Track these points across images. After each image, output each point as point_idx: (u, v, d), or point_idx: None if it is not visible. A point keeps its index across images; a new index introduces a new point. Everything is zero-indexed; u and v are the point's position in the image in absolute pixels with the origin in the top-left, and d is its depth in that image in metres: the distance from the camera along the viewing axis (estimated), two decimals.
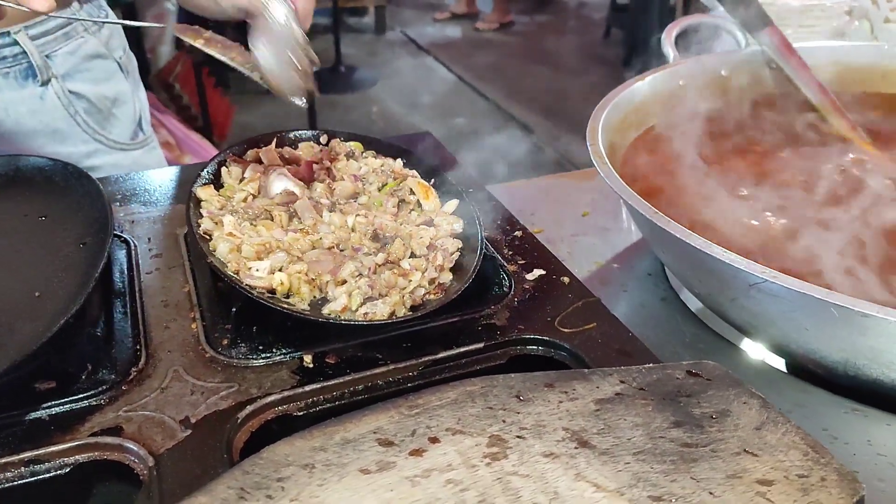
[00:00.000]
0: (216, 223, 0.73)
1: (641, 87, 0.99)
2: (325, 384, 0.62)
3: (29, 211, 0.76)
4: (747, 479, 0.47)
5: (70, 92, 1.10)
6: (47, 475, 0.55)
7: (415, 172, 0.85)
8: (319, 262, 0.69)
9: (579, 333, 0.68)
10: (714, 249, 0.63)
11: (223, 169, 0.82)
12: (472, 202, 0.80)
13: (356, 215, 0.76)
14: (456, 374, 0.65)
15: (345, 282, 0.68)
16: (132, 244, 0.80)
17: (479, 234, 0.75)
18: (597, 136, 0.83)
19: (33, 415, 0.58)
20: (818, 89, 1.05)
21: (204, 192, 0.78)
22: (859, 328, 0.60)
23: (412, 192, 0.82)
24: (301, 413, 0.61)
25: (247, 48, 0.74)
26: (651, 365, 0.59)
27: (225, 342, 0.66)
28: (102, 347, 0.65)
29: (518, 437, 0.49)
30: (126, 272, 0.76)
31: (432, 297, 0.69)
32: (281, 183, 0.78)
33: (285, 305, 0.66)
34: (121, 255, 0.78)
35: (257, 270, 0.68)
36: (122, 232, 0.82)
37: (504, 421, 0.51)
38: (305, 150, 0.87)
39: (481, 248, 0.73)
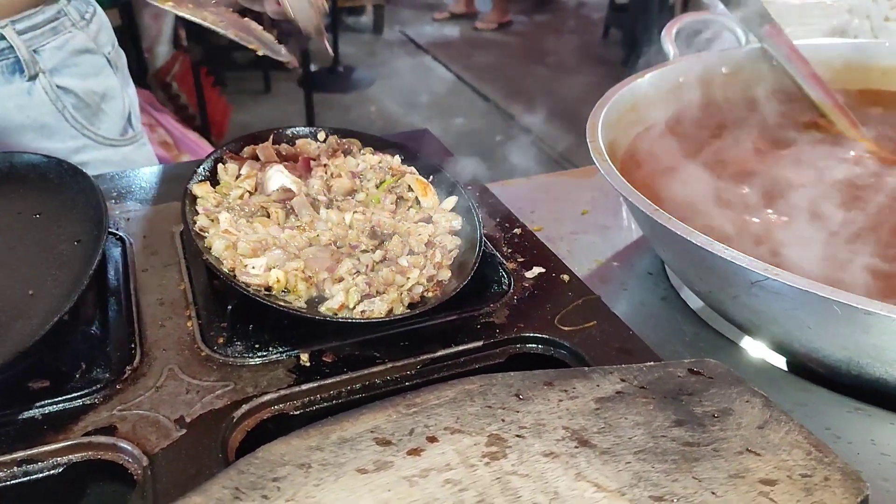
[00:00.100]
0: (212, 220, 0.73)
1: (641, 84, 0.99)
2: (322, 383, 0.61)
3: (23, 208, 0.75)
4: (750, 479, 0.46)
5: (58, 87, 1.09)
6: (40, 475, 0.54)
7: (413, 169, 0.85)
8: (316, 260, 0.69)
9: (579, 331, 0.67)
10: (715, 247, 0.63)
11: (219, 166, 0.81)
12: (471, 199, 0.79)
13: (354, 212, 0.76)
14: (454, 372, 0.64)
15: (342, 279, 0.67)
16: (127, 242, 0.79)
17: (478, 231, 0.74)
18: (597, 133, 0.82)
19: (26, 414, 0.57)
20: (819, 87, 1.05)
21: (200, 189, 0.77)
22: (863, 326, 0.59)
23: (410, 189, 0.81)
24: (297, 412, 0.60)
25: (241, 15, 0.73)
26: (652, 363, 0.59)
27: (221, 340, 0.65)
28: (97, 346, 0.65)
29: (517, 436, 0.49)
30: (121, 270, 0.75)
31: (430, 294, 0.69)
32: (278, 179, 0.78)
33: (282, 303, 0.65)
34: (116, 252, 0.77)
35: (253, 268, 0.67)
36: (117, 229, 0.81)
37: (503, 420, 0.50)
38: (303, 147, 0.87)
39: (480, 246, 0.72)
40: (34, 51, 1.05)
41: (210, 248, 0.69)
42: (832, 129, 1.03)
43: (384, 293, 0.66)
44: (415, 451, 0.47)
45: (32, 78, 1.06)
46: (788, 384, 0.73)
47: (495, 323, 0.69)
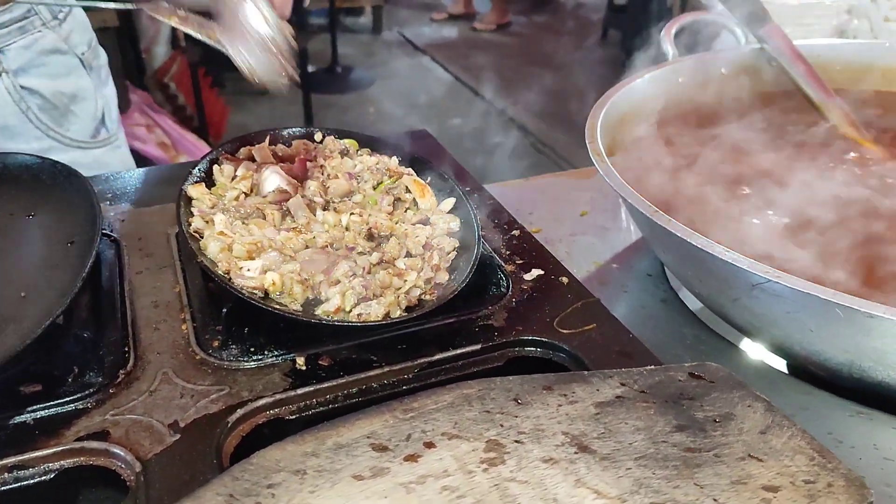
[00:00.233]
0: (207, 222, 0.72)
1: (641, 84, 0.98)
2: (318, 387, 0.60)
3: (15, 209, 0.75)
4: (752, 485, 0.45)
5: (22, 87, 1.07)
6: (32, 481, 0.53)
7: (411, 170, 0.84)
8: (312, 262, 0.68)
9: (578, 335, 0.67)
10: (716, 249, 0.62)
11: (215, 167, 0.80)
12: (469, 201, 0.79)
13: (350, 214, 0.75)
14: (452, 376, 0.63)
15: (338, 282, 0.67)
16: (121, 243, 0.78)
17: (476, 233, 0.74)
18: (596, 134, 0.82)
19: (18, 419, 0.57)
20: (819, 87, 1.04)
21: (195, 191, 0.76)
22: (864, 329, 0.58)
23: (408, 191, 0.81)
24: (293, 417, 0.59)
25: None
26: (652, 367, 0.58)
27: (216, 344, 0.65)
28: (90, 349, 0.64)
29: (516, 441, 0.48)
30: (115, 272, 0.74)
31: (428, 297, 0.68)
32: (274, 181, 0.77)
33: (277, 306, 0.64)
34: (110, 254, 0.77)
35: (248, 270, 0.66)
36: (111, 231, 0.80)
37: (502, 425, 0.49)
38: (299, 148, 0.86)
39: (478, 248, 0.71)
40: None
41: (205, 251, 0.69)
42: (832, 130, 1.02)
43: (381, 296, 0.66)
44: (412, 458, 0.46)
45: None
46: (789, 387, 0.73)
47: (494, 326, 0.68)
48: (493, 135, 4.06)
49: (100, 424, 0.56)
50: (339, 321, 0.64)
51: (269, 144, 0.85)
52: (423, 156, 0.86)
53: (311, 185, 0.78)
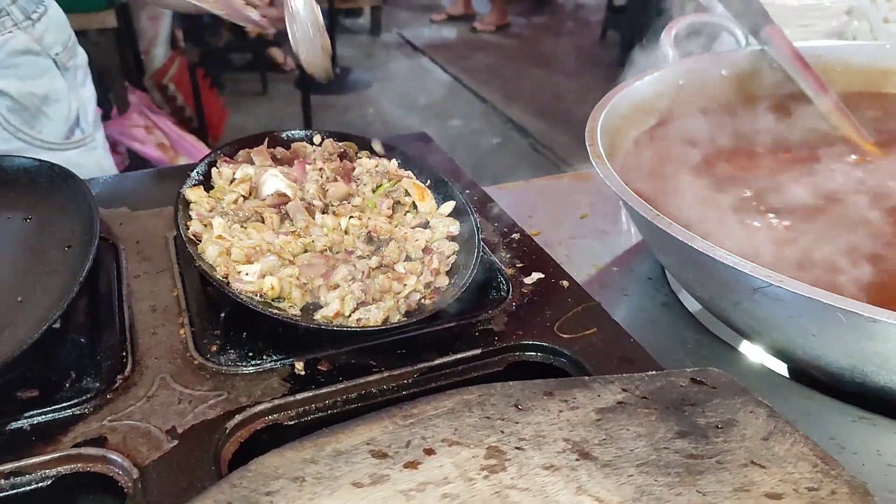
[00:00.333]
0: (205, 225, 0.71)
1: (641, 86, 0.98)
2: (317, 392, 0.60)
3: (12, 213, 0.74)
4: (755, 493, 0.45)
5: None
6: (28, 488, 0.53)
7: (410, 173, 0.83)
8: (311, 266, 0.68)
9: (579, 339, 0.66)
10: (717, 252, 0.62)
11: (213, 170, 0.80)
12: (468, 203, 0.78)
13: (350, 217, 0.74)
14: (452, 381, 0.63)
15: (337, 286, 0.66)
16: (119, 247, 0.78)
17: (476, 236, 0.73)
18: (596, 137, 0.81)
19: (14, 425, 0.56)
20: (820, 89, 1.04)
21: (193, 194, 0.76)
22: (867, 333, 0.58)
23: (407, 194, 0.80)
24: (292, 422, 0.59)
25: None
26: (654, 372, 0.58)
27: (214, 348, 0.64)
28: (87, 354, 0.63)
29: (517, 448, 0.47)
30: (113, 276, 0.73)
31: (428, 301, 0.68)
32: (272, 184, 0.76)
33: (276, 311, 0.64)
34: (107, 258, 0.76)
35: (247, 274, 0.66)
36: (109, 235, 0.80)
37: (502, 431, 0.49)
38: (298, 150, 0.85)
39: (478, 251, 0.71)
40: None
41: (203, 254, 0.68)
42: (833, 132, 1.02)
43: (380, 300, 0.65)
44: (412, 464, 0.46)
45: None
46: (791, 391, 0.72)
47: (494, 330, 0.67)
48: (493, 136, 4.06)
49: (97, 430, 0.56)
50: (337, 326, 0.63)
51: (268, 147, 0.84)
52: (422, 158, 0.86)
53: (310, 188, 0.77)
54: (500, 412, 0.51)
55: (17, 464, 0.53)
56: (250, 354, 0.64)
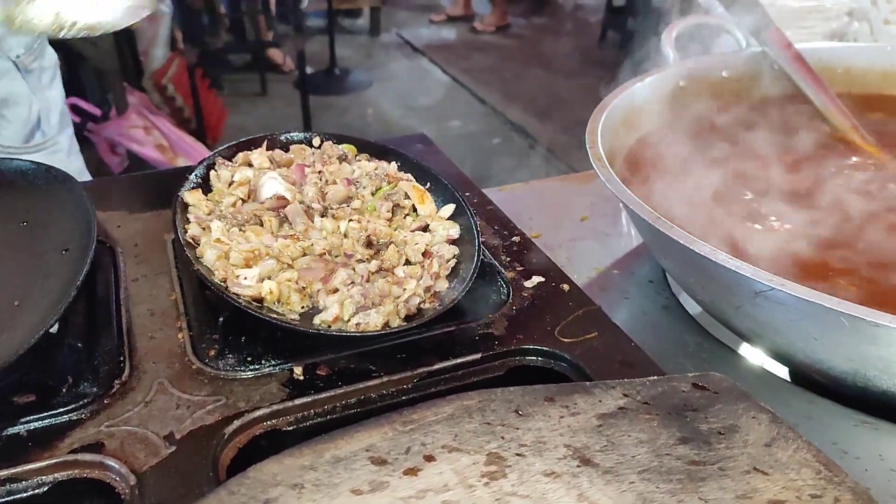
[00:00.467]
0: (204, 228, 0.71)
1: (641, 88, 0.97)
2: (316, 397, 0.59)
3: (9, 216, 0.74)
4: (758, 500, 0.44)
5: None
6: (24, 494, 0.52)
7: (410, 176, 0.83)
8: (310, 270, 0.67)
9: (580, 343, 0.66)
10: (719, 256, 0.61)
11: (212, 172, 0.80)
12: (468, 206, 0.78)
13: (349, 220, 0.74)
14: (452, 386, 0.63)
15: (337, 290, 0.66)
16: (117, 250, 0.77)
17: (476, 239, 0.73)
18: (596, 139, 0.81)
19: (11, 430, 0.56)
20: (820, 90, 1.04)
21: (192, 197, 0.75)
22: (870, 338, 0.58)
23: (407, 197, 0.80)
24: (291, 428, 0.58)
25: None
26: (655, 377, 0.57)
27: (212, 353, 0.64)
28: (84, 359, 0.63)
29: (517, 454, 0.47)
30: (110, 280, 0.73)
31: (427, 306, 0.67)
32: (271, 187, 0.76)
33: (274, 315, 0.63)
34: (105, 261, 0.76)
35: (245, 278, 0.65)
36: (106, 238, 0.79)
37: (503, 437, 0.48)
38: (297, 153, 0.85)
39: (478, 255, 0.70)
40: None
41: (202, 258, 0.68)
42: (834, 134, 1.02)
43: (380, 305, 0.65)
44: (411, 471, 0.45)
45: None
46: (792, 396, 0.72)
47: (494, 335, 0.67)
48: (492, 137, 4.06)
49: (94, 436, 0.55)
50: (337, 331, 0.63)
51: (267, 149, 0.84)
52: (421, 161, 0.86)
53: (309, 191, 0.77)
54: (500, 418, 0.50)
55: (13, 470, 0.52)
56: (249, 359, 0.63)
